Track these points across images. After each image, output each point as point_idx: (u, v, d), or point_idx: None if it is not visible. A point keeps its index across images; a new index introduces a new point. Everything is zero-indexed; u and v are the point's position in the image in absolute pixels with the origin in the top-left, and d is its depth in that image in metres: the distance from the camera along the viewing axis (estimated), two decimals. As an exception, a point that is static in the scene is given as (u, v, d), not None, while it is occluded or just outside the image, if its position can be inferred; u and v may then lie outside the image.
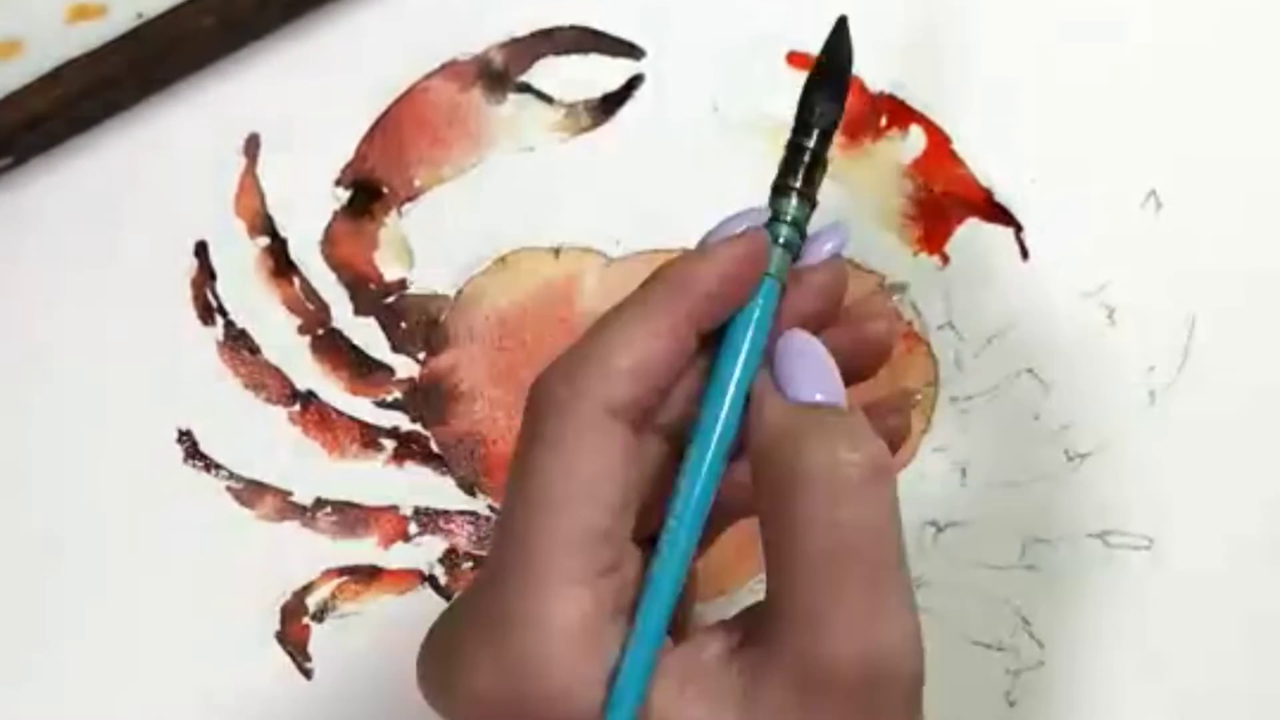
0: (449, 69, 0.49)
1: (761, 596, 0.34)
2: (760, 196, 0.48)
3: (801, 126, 0.37)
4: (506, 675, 0.33)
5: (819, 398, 0.35)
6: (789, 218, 0.37)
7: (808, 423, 0.34)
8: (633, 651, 0.33)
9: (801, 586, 0.33)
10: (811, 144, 0.37)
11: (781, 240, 0.37)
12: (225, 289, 0.49)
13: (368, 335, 0.49)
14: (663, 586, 0.34)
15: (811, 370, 0.35)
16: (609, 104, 0.49)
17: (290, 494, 0.49)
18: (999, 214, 0.48)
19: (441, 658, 0.35)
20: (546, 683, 0.33)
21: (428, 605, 0.48)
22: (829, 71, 0.38)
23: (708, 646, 0.35)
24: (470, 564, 0.48)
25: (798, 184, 0.37)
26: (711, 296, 0.36)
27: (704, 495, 0.35)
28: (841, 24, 0.38)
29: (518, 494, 0.34)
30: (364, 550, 0.49)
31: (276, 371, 0.49)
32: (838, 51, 0.38)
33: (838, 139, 0.48)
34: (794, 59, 0.49)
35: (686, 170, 0.49)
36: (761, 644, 0.34)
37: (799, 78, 0.49)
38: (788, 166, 0.37)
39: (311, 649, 0.49)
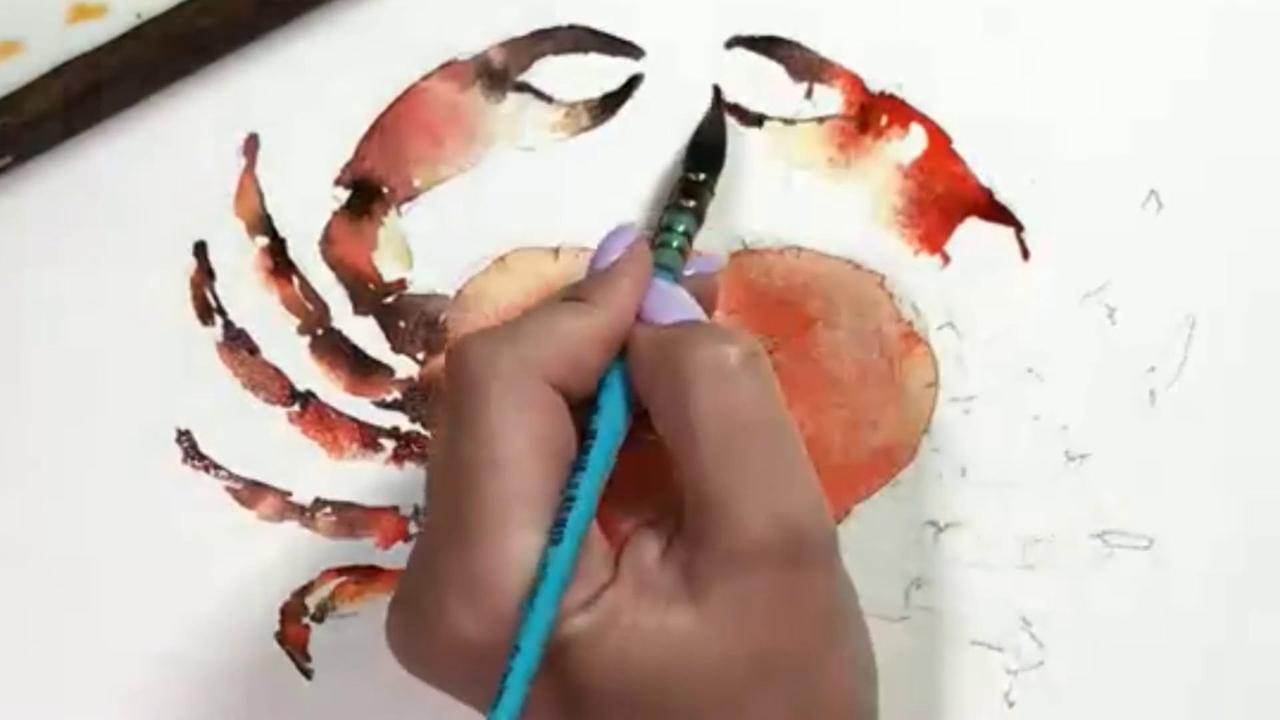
0: (449, 69, 0.49)
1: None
2: (760, 196, 0.48)
3: (694, 166, 0.46)
4: (490, 625, 0.35)
5: (680, 317, 0.40)
6: (681, 229, 0.44)
7: (679, 331, 0.39)
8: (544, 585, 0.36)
9: (709, 472, 0.36)
10: (701, 179, 0.46)
11: (676, 246, 0.43)
12: (224, 289, 0.49)
13: (367, 335, 0.49)
14: (580, 509, 0.37)
15: (672, 302, 0.40)
16: (609, 104, 0.49)
17: (290, 494, 0.49)
18: (999, 214, 0.48)
19: (419, 622, 0.37)
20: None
21: (427, 605, 0.48)
22: (713, 137, 0.47)
23: (645, 551, 0.38)
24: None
25: (690, 204, 0.45)
26: (632, 311, 0.40)
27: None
28: (715, 100, 0.48)
29: (471, 454, 0.37)
30: (364, 550, 0.49)
31: (276, 371, 0.49)
32: (719, 120, 0.48)
33: (838, 138, 0.48)
34: (795, 60, 0.49)
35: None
36: (687, 536, 0.37)
37: (797, 78, 0.49)
38: (683, 191, 0.45)
39: (311, 649, 0.49)
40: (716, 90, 0.48)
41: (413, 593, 0.38)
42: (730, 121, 0.48)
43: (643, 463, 0.41)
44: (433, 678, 0.39)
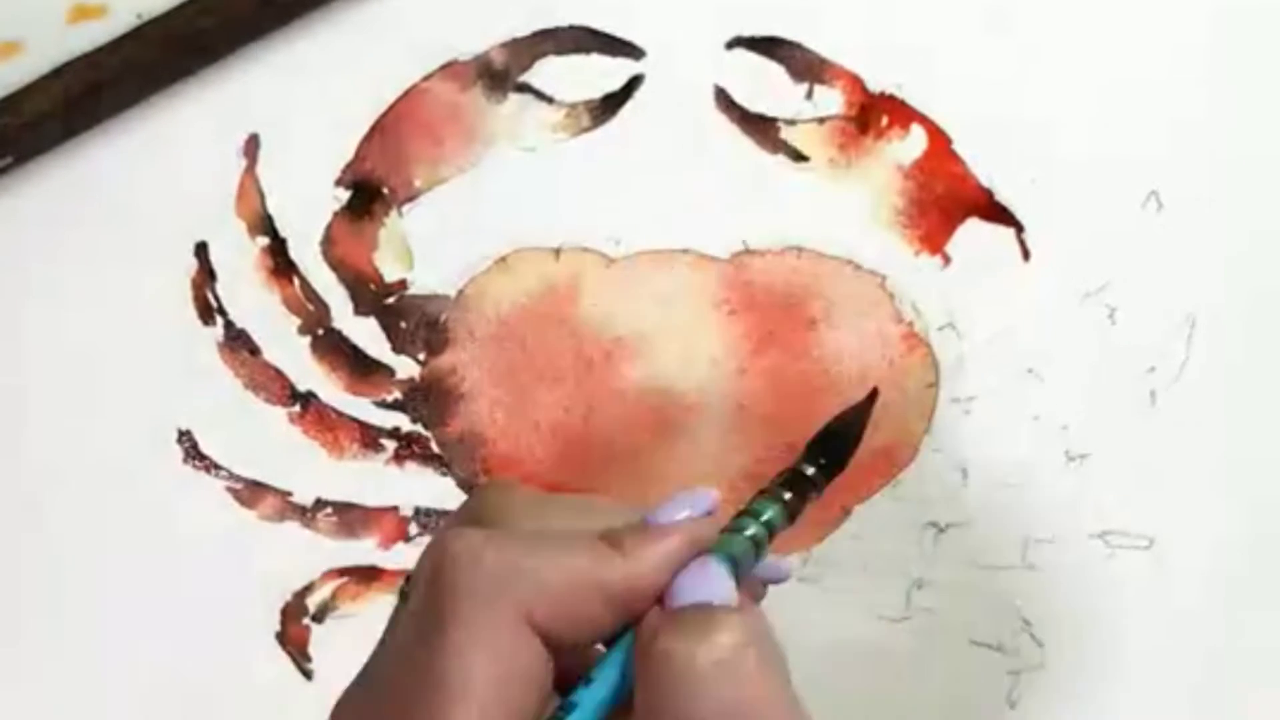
0: (449, 69, 0.49)
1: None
2: (759, 196, 0.48)
3: (811, 458, 0.38)
4: None
5: (702, 597, 0.34)
6: (765, 517, 0.36)
7: (670, 616, 0.33)
8: None
9: None
10: (811, 473, 0.37)
11: (750, 535, 0.36)
12: (225, 289, 0.49)
13: (368, 335, 0.49)
14: None
15: (699, 581, 0.34)
16: (609, 104, 0.49)
17: (290, 494, 0.49)
18: (999, 214, 0.48)
19: None
20: None
21: (428, 605, 0.48)
22: (844, 436, 0.39)
23: None
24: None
25: (788, 497, 0.36)
26: (658, 584, 0.34)
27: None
28: (871, 398, 0.39)
29: (432, 672, 0.32)
30: (364, 550, 0.49)
31: (276, 372, 0.49)
32: (858, 416, 0.39)
33: (839, 139, 0.48)
34: (795, 62, 0.49)
35: (686, 170, 0.49)
36: None
37: (798, 78, 0.49)
38: (787, 480, 0.37)
39: (311, 649, 0.49)
40: (719, 96, 0.48)
41: None
42: (732, 121, 0.48)
43: None
44: None
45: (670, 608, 0.33)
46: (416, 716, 0.32)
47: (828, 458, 0.38)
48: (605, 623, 0.33)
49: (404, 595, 0.35)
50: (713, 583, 0.34)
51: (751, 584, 0.36)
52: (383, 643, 0.35)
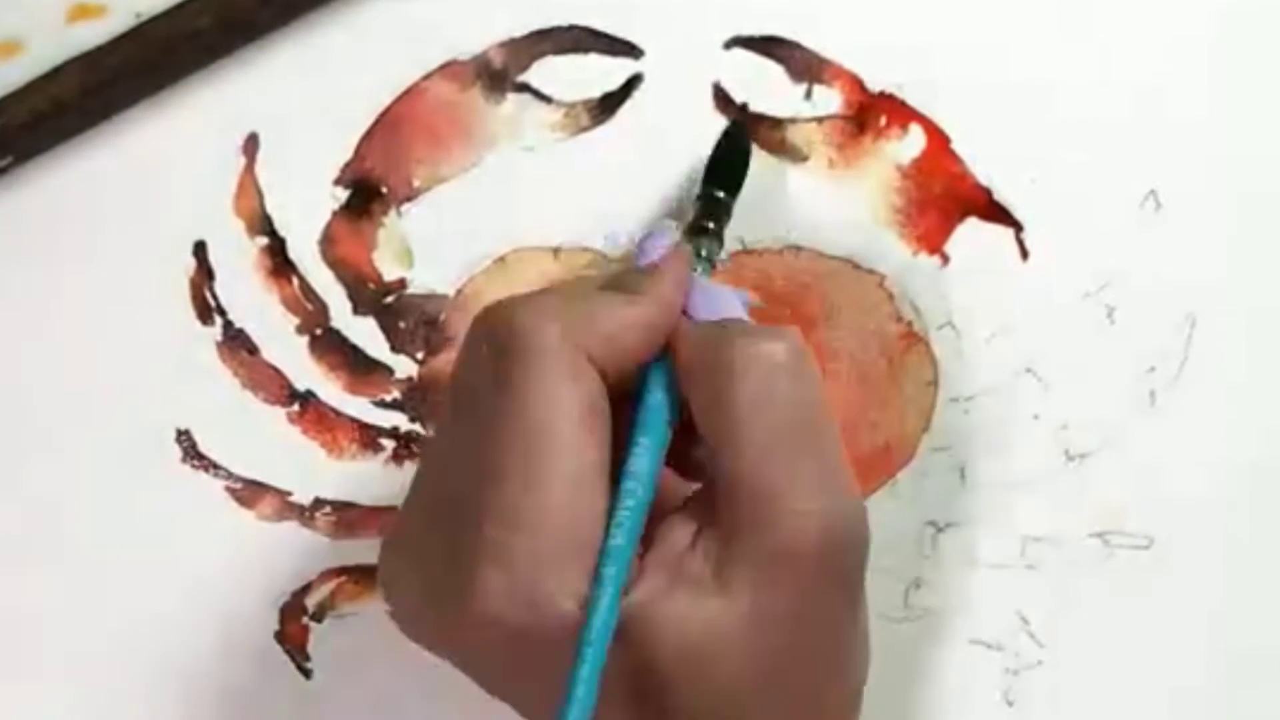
0: (449, 69, 0.49)
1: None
2: (757, 195, 0.48)
3: (714, 180, 0.46)
4: (528, 602, 0.35)
5: (725, 314, 0.40)
6: (704, 253, 0.44)
7: (727, 327, 0.39)
8: (600, 601, 0.35)
9: (752, 467, 0.36)
10: (722, 196, 0.45)
11: (707, 256, 0.44)
12: (224, 289, 0.49)
13: (367, 335, 0.49)
14: (627, 524, 0.37)
15: (718, 300, 0.41)
16: (609, 104, 0.49)
17: (290, 494, 0.49)
18: (999, 214, 0.48)
19: (442, 593, 0.37)
20: (561, 612, 0.35)
21: (427, 605, 0.48)
22: (735, 156, 0.46)
23: (674, 540, 0.37)
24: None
25: (712, 226, 0.44)
26: (678, 306, 0.40)
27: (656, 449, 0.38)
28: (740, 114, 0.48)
29: (517, 424, 0.36)
30: (364, 550, 0.49)
31: (275, 371, 0.49)
32: (742, 141, 0.47)
33: (838, 138, 0.48)
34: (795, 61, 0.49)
35: (686, 170, 0.49)
36: (721, 526, 0.36)
37: (797, 78, 0.49)
38: (705, 212, 0.45)
39: (311, 649, 0.49)
40: (719, 95, 0.48)
41: (427, 556, 0.38)
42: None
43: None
44: (445, 649, 0.38)
45: (711, 322, 0.40)
46: (505, 477, 0.36)
47: (730, 179, 0.46)
48: (642, 355, 0.39)
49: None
50: (728, 300, 0.41)
51: None
52: (437, 442, 0.40)
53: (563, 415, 0.36)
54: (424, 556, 0.38)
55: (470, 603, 0.36)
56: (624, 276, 0.41)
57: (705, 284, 0.42)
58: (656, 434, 0.38)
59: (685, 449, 0.40)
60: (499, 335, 0.38)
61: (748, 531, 0.36)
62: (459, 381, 0.39)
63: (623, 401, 0.39)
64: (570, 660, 0.34)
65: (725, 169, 0.46)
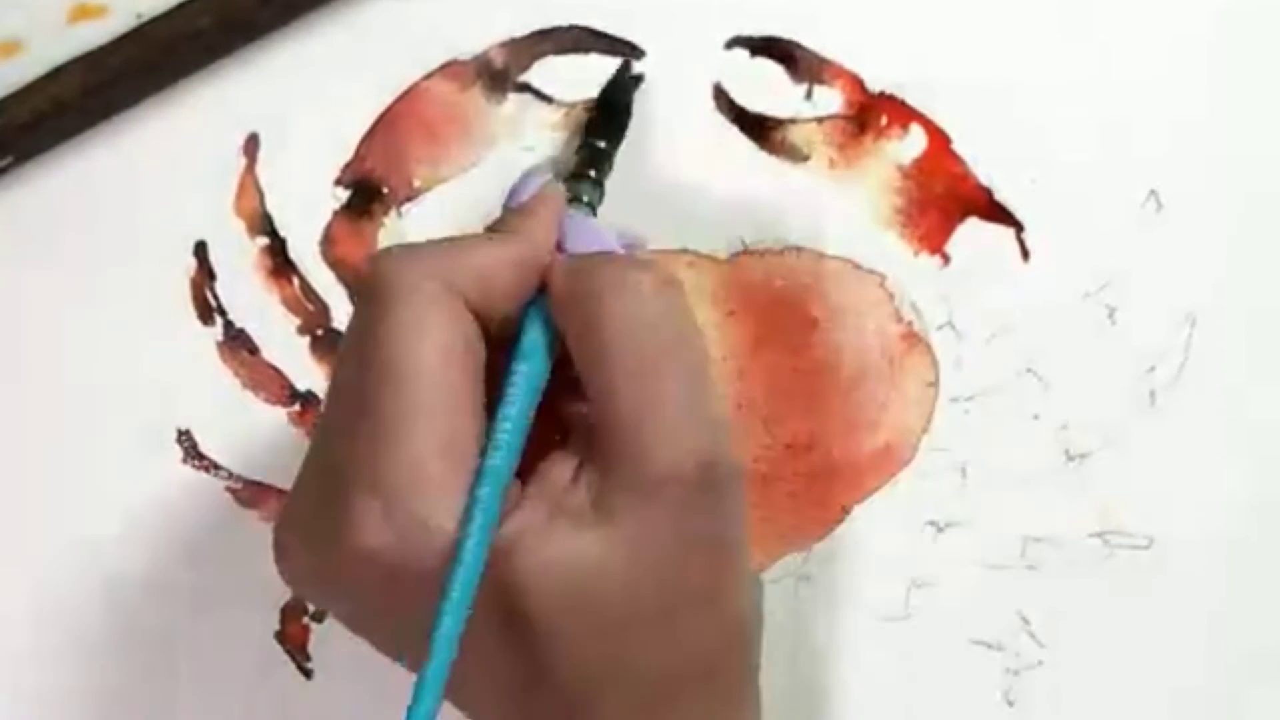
0: (449, 69, 0.49)
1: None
2: (758, 196, 0.48)
3: (596, 131, 0.47)
4: (401, 533, 0.35)
5: (599, 248, 0.41)
6: (584, 199, 0.44)
7: (596, 259, 0.39)
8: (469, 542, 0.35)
9: (621, 397, 0.36)
10: (604, 145, 0.46)
11: (587, 200, 0.44)
12: (224, 289, 0.49)
13: (367, 335, 0.49)
14: (497, 458, 0.37)
15: (591, 234, 0.41)
16: (608, 104, 0.49)
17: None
18: (999, 214, 0.48)
19: (319, 534, 0.37)
20: (435, 537, 0.35)
21: (427, 605, 0.48)
22: (617, 104, 0.48)
23: (555, 474, 0.38)
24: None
25: (592, 174, 0.45)
26: (549, 242, 0.41)
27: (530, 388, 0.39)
28: (624, 64, 0.49)
29: (381, 359, 0.36)
30: (364, 550, 0.49)
31: (276, 371, 0.49)
32: (625, 89, 0.48)
33: (838, 138, 0.48)
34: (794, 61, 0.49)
35: (686, 170, 0.49)
36: (598, 458, 0.37)
37: (797, 78, 0.49)
38: (587, 161, 0.45)
39: (311, 649, 0.49)
40: (719, 95, 0.48)
41: (308, 504, 0.38)
42: (731, 121, 0.48)
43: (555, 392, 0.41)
44: (329, 596, 0.39)
45: (583, 254, 0.40)
46: (373, 411, 0.36)
47: (613, 128, 0.47)
48: (516, 291, 0.39)
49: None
50: (602, 235, 0.42)
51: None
52: (330, 383, 0.39)
53: (428, 347, 0.36)
54: (307, 507, 0.38)
55: (345, 535, 0.36)
56: (499, 220, 0.42)
57: (580, 219, 0.42)
58: (534, 363, 0.39)
59: (566, 400, 0.40)
60: (366, 281, 0.38)
61: (622, 460, 0.36)
62: (342, 337, 0.40)
63: (509, 347, 0.39)
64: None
65: (607, 118, 0.47)
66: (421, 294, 0.37)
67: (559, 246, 0.41)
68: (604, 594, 0.36)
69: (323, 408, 0.40)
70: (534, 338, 0.39)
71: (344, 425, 0.37)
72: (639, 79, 0.49)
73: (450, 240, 0.40)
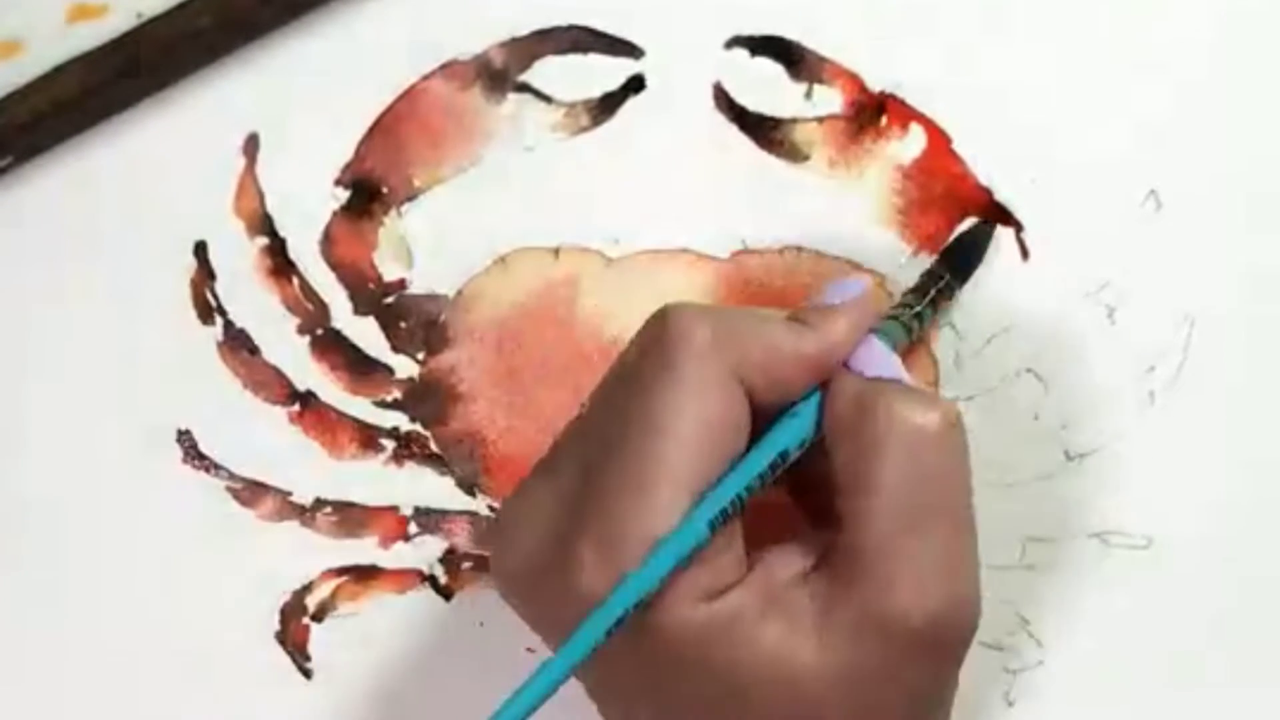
0: (449, 69, 0.49)
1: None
2: (758, 195, 0.48)
3: (945, 265, 0.47)
4: (612, 584, 0.36)
5: (890, 374, 0.39)
6: (902, 320, 0.43)
7: (884, 388, 0.38)
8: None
9: (881, 530, 0.36)
10: (950, 281, 0.46)
11: (902, 321, 0.43)
12: (224, 289, 0.49)
13: (367, 335, 0.49)
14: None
15: (883, 360, 0.40)
16: (609, 104, 0.49)
17: (290, 494, 0.49)
18: (999, 214, 0.48)
19: (542, 560, 0.38)
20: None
21: (428, 605, 0.48)
22: (967, 256, 0.47)
23: (782, 568, 0.38)
24: (470, 564, 0.48)
25: (931, 295, 0.45)
26: (845, 348, 0.40)
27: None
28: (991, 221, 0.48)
29: (643, 414, 0.37)
30: (364, 550, 0.49)
31: (276, 371, 0.49)
32: (976, 248, 0.48)
33: (838, 138, 0.48)
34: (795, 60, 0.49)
35: (686, 170, 0.49)
36: (836, 575, 0.37)
37: (797, 78, 0.49)
38: (929, 283, 0.46)
39: (311, 649, 0.49)
40: (719, 95, 0.48)
41: (540, 520, 0.38)
42: (731, 121, 0.48)
43: (794, 501, 0.42)
44: (532, 612, 0.39)
45: (873, 377, 0.39)
46: (635, 458, 0.37)
47: (961, 267, 0.47)
48: (797, 387, 0.39)
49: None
50: (894, 365, 0.40)
51: None
52: (585, 417, 0.40)
53: (696, 419, 0.37)
54: (536, 525, 0.39)
55: (567, 573, 0.36)
56: (803, 311, 0.41)
57: (878, 345, 0.41)
58: (777, 444, 0.38)
59: (819, 496, 0.40)
60: (655, 332, 0.38)
61: (861, 591, 0.36)
62: (617, 363, 0.40)
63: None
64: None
65: (962, 258, 0.47)
66: (707, 366, 0.37)
67: (848, 361, 0.40)
68: (799, 705, 0.36)
69: (574, 433, 0.40)
70: (797, 423, 0.39)
71: (590, 464, 0.38)
72: (638, 80, 0.49)
73: (748, 317, 0.39)
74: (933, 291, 0.45)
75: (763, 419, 0.39)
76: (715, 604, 0.36)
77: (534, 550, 0.38)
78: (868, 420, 0.37)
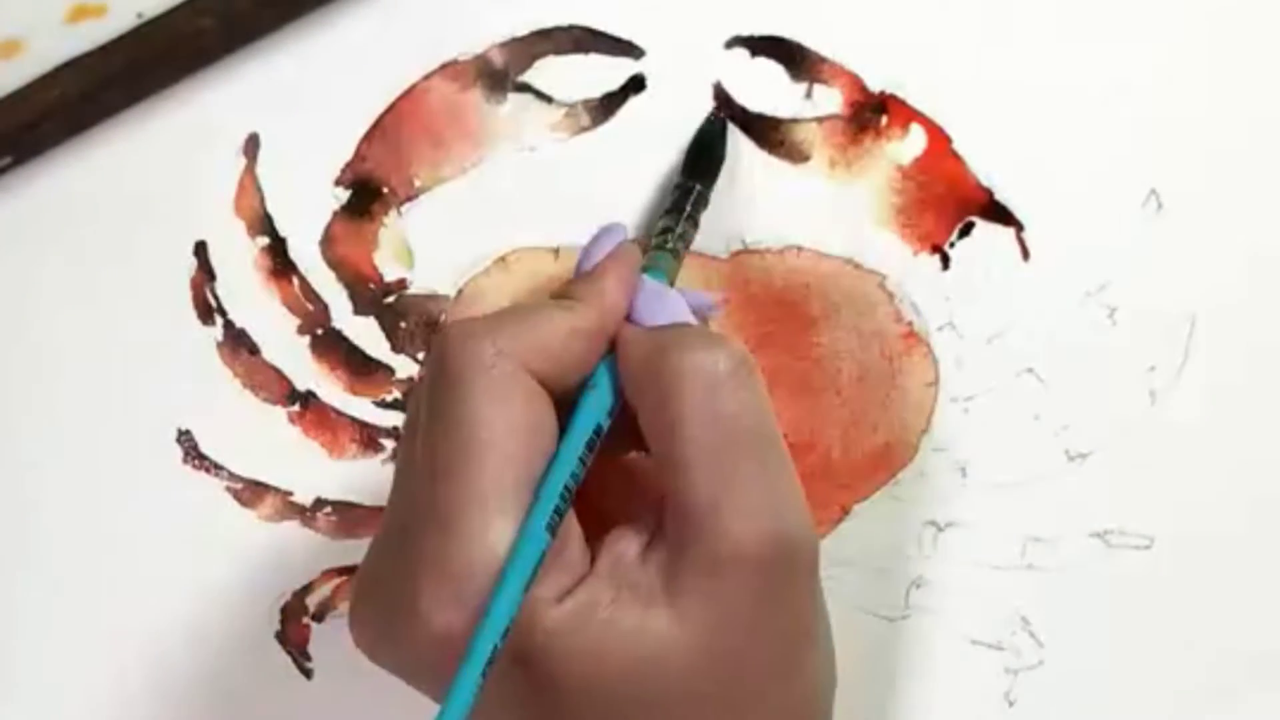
0: (449, 69, 0.49)
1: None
2: (758, 195, 0.48)
3: (690, 173, 0.47)
4: (463, 614, 0.35)
5: (671, 319, 0.40)
6: (670, 245, 0.44)
7: (670, 333, 0.39)
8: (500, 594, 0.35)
9: (696, 479, 0.36)
10: (699, 187, 0.46)
11: (669, 248, 0.44)
12: (225, 289, 0.49)
13: (368, 335, 0.49)
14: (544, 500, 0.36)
15: (664, 303, 0.41)
16: (609, 104, 0.49)
17: (290, 494, 0.49)
18: (999, 214, 0.48)
19: (389, 610, 0.37)
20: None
21: (428, 605, 0.48)
22: (705, 151, 0.47)
23: (624, 550, 0.37)
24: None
25: (686, 210, 0.45)
26: (619, 309, 0.40)
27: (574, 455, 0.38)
28: (717, 106, 0.48)
29: (449, 441, 0.36)
30: (364, 550, 0.49)
31: (276, 371, 0.49)
32: (713, 147, 0.48)
33: (838, 138, 0.48)
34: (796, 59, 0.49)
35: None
36: (669, 538, 0.36)
37: (797, 78, 0.49)
38: (678, 197, 0.46)
39: (311, 649, 0.49)
40: (719, 95, 0.48)
41: (380, 580, 0.38)
42: (730, 127, 0.48)
43: (627, 463, 0.41)
44: (401, 668, 0.38)
45: (655, 326, 0.40)
46: (449, 483, 0.36)
47: (705, 169, 0.46)
48: (589, 361, 0.39)
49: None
50: (673, 304, 0.41)
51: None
52: (399, 458, 0.39)
53: (501, 430, 0.36)
54: (381, 582, 0.38)
55: (417, 618, 0.36)
56: (569, 285, 0.41)
57: (653, 287, 0.41)
58: (584, 431, 0.38)
59: (629, 456, 0.41)
60: (433, 357, 0.38)
61: (693, 543, 0.36)
62: (414, 396, 0.40)
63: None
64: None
65: (701, 161, 0.47)
66: (496, 373, 0.37)
67: (629, 315, 0.41)
68: (670, 673, 0.36)
69: (395, 480, 0.39)
70: (594, 401, 0.39)
71: (414, 505, 0.37)
72: (639, 80, 0.49)
73: (520, 313, 0.39)
74: (688, 206, 0.45)
75: (567, 404, 0.38)
76: (568, 603, 0.36)
77: (382, 605, 0.37)
78: (658, 375, 0.37)
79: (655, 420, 0.37)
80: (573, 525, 0.38)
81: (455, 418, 0.36)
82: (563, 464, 0.37)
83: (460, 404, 0.36)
